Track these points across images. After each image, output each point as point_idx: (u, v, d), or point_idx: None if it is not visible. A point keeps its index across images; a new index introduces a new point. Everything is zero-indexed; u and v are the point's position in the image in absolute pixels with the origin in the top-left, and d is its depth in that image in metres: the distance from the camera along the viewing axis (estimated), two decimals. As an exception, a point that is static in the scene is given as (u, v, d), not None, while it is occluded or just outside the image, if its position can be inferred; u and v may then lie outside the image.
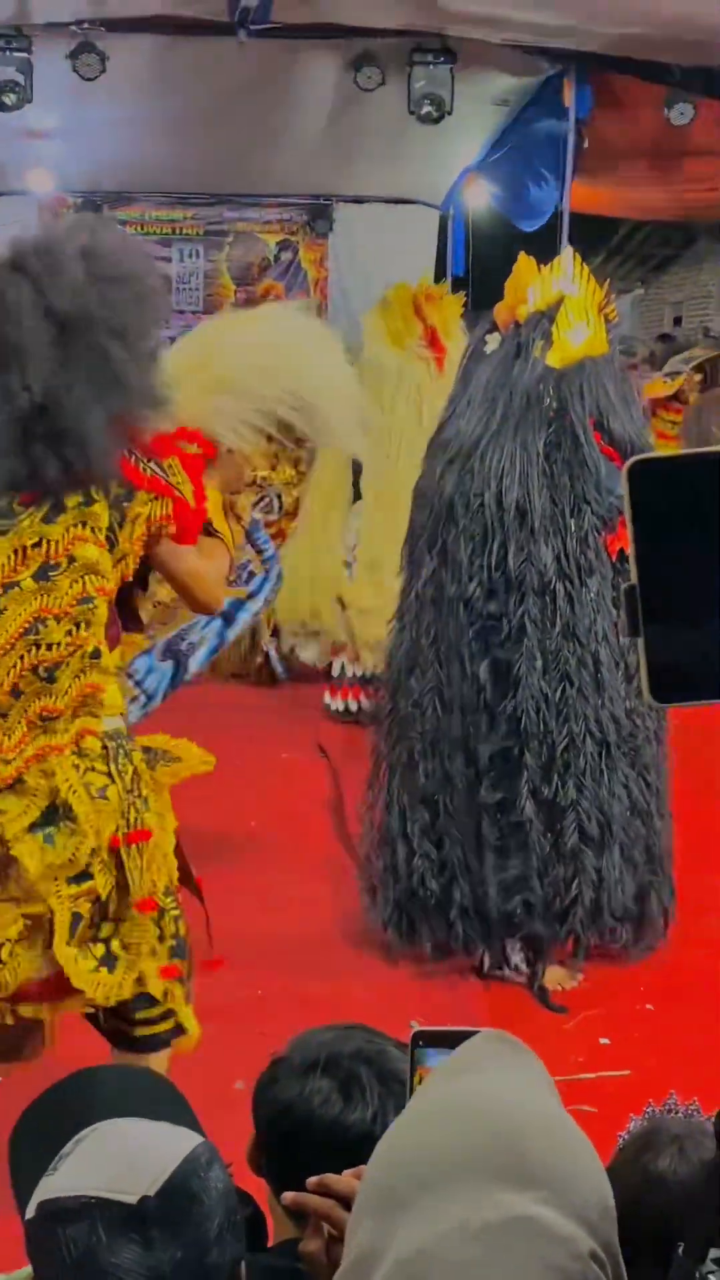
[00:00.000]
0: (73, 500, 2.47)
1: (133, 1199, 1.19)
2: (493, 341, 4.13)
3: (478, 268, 13.50)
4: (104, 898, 2.56)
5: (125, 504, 2.51)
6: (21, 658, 2.47)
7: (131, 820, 2.57)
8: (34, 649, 2.47)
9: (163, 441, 2.62)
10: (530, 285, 4.12)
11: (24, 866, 2.48)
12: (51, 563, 2.46)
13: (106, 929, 2.59)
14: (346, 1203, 1.30)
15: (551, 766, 3.77)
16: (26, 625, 2.46)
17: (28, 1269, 1.27)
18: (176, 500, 2.55)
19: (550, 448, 3.86)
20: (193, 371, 2.84)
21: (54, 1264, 1.19)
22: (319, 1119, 1.50)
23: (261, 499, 3.56)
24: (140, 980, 2.61)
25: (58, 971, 2.54)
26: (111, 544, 2.50)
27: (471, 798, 3.85)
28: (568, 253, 4.63)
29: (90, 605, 2.48)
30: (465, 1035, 1.22)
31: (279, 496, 3.49)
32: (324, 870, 4.62)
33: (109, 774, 2.55)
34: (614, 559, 3.82)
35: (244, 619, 4.03)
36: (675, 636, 0.94)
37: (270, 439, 3.17)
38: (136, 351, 2.58)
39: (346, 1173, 1.31)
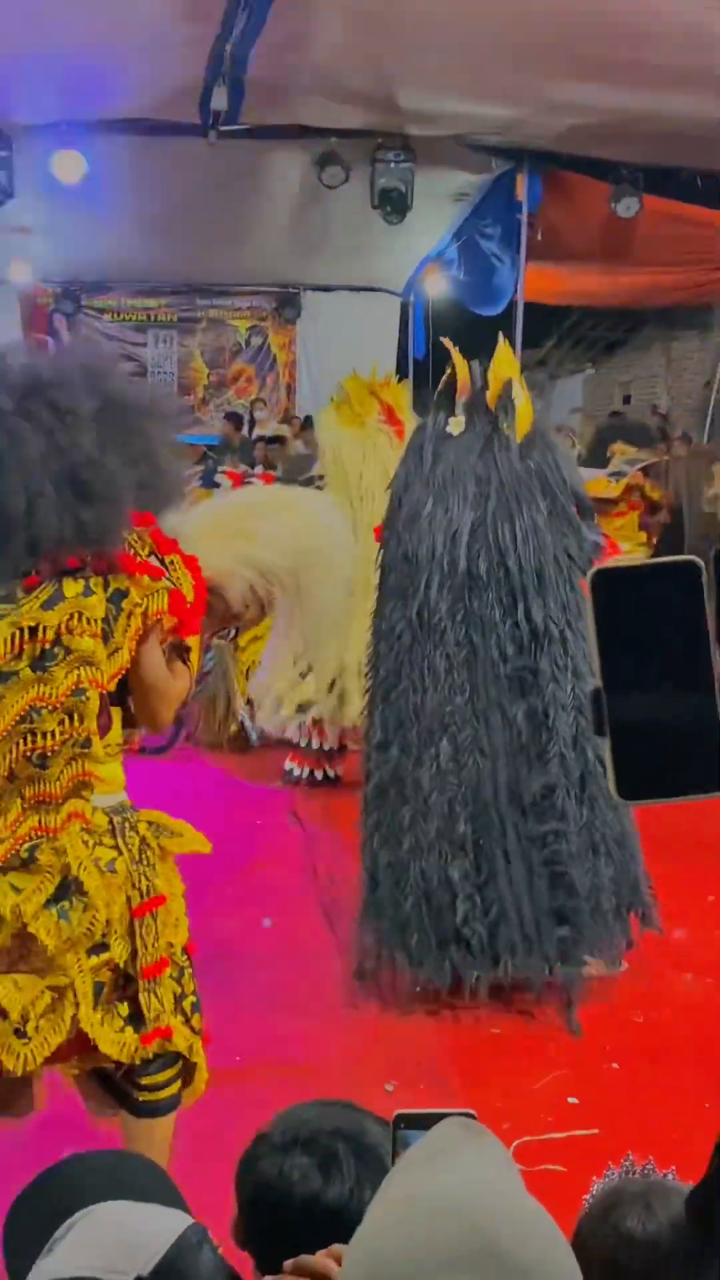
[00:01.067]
0: (72, 590, 2.48)
1: (128, 1279, 1.19)
2: (455, 425, 4.23)
3: (437, 351, 13.70)
4: (122, 965, 2.59)
5: (122, 600, 2.53)
6: (16, 744, 2.48)
7: (144, 890, 2.60)
8: (28, 737, 2.48)
9: (167, 541, 2.64)
10: (507, 376, 4.27)
11: (42, 942, 2.50)
12: (48, 651, 2.47)
13: (132, 989, 2.61)
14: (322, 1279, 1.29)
15: (581, 798, 3.98)
16: (22, 714, 2.46)
17: None
18: (173, 592, 2.57)
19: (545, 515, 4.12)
20: (226, 526, 2.92)
21: (50, 1346, 1.18)
22: (298, 1195, 1.49)
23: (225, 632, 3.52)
24: (166, 1037, 2.63)
25: (79, 1034, 2.56)
26: (106, 636, 2.51)
27: (519, 836, 4.00)
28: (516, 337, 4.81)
29: (83, 697, 2.48)
30: (447, 1116, 1.21)
31: (237, 630, 3.51)
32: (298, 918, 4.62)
33: (116, 847, 2.58)
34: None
35: None
36: (639, 736, 0.96)
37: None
38: (163, 435, 2.70)
39: (320, 1253, 1.31)
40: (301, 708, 6.36)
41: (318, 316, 13.60)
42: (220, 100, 8.74)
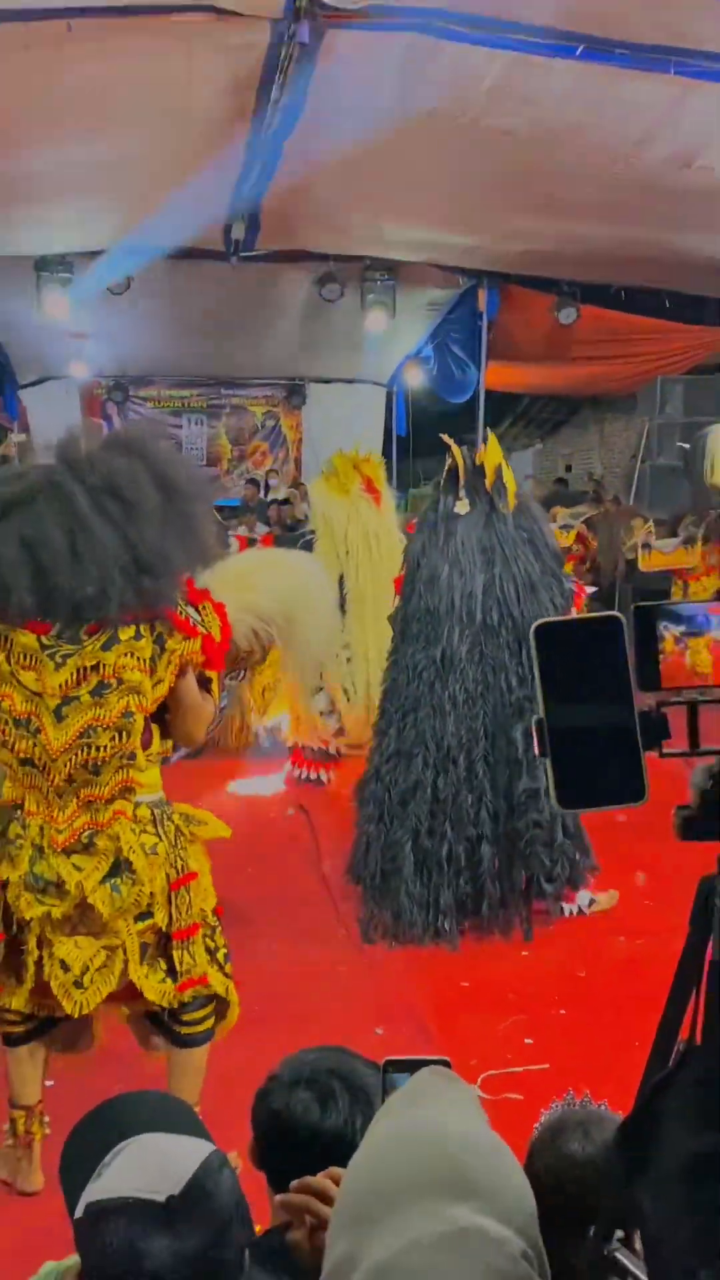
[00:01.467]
0: (125, 635, 2.50)
1: (161, 1198, 1.17)
2: (461, 506, 4.37)
3: (415, 430, 13.74)
4: (163, 929, 2.63)
5: (165, 640, 2.54)
6: (76, 755, 2.50)
7: (179, 868, 2.64)
8: (85, 749, 2.49)
9: (199, 593, 2.67)
10: (498, 462, 4.44)
11: (99, 910, 2.54)
12: (105, 682, 2.48)
13: (171, 948, 2.64)
14: (322, 1196, 1.28)
15: None
16: (81, 730, 2.49)
17: (75, 1258, 1.25)
18: (204, 637, 2.59)
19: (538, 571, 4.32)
20: (233, 582, 2.92)
21: (99, 1252, 1.17)
22: (302, 1124, 1.48)
23: (234, 672, 3.46)
24: (202, 984, 2.66)
25: (127, 984, 2.60)
26: (152, 671, 2.53)
27: (509, 821, 4.17)
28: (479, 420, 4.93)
29: (131, 719, 2.51)
30: (426, 1063, 1.20)
31: (245, 670, 3.50)
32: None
33: (157, 834, 2.62)
34: None
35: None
36: (575, 757, 0.95)
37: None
38: (207, 513, 2.75)
39: (320, 1174, 1.30)
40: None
41: (320, 403, 13.62)
42: (239, 231, 8.82)
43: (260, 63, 6.19)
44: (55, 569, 2.41)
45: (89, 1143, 1.27)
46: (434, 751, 4.23)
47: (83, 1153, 1.27)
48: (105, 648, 2.48)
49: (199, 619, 2.61)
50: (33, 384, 12.36)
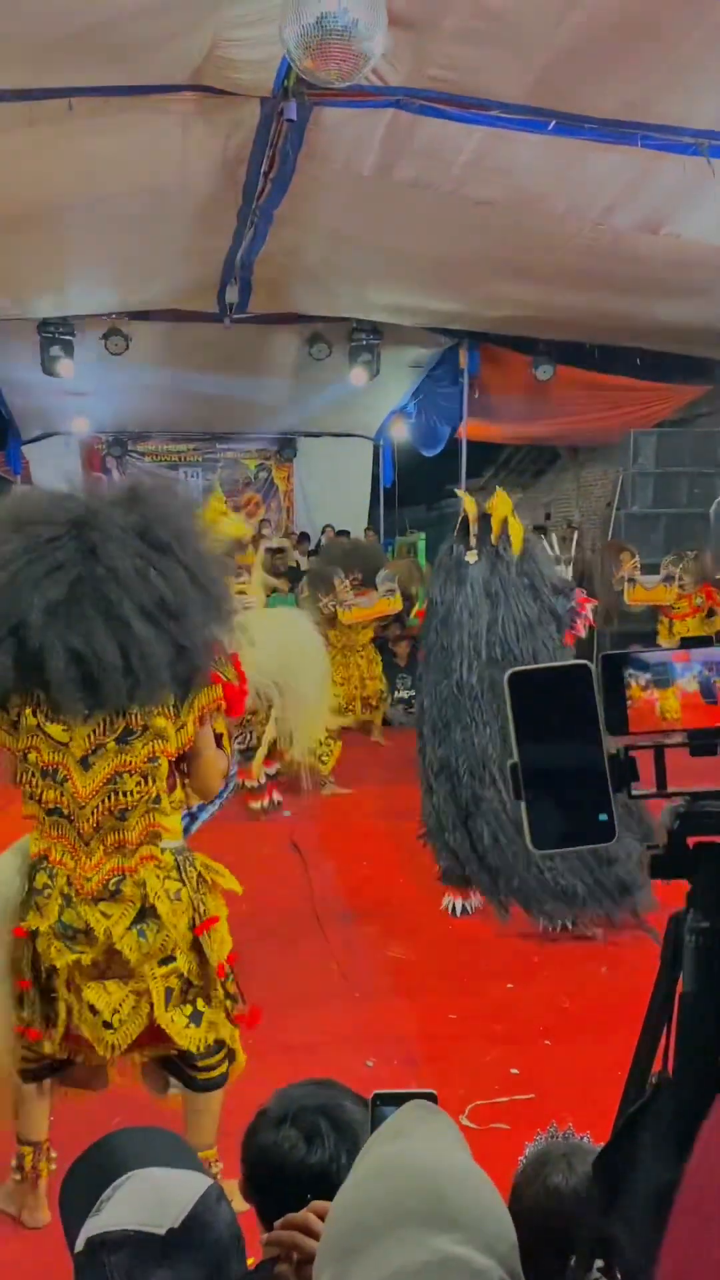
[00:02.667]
0: None
1: (161, 1231, 1.16)
2: (471, 556, 4.77)
3: (400, 480, 13.84)
4: (186, 974, 2.57)
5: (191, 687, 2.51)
6: (103, 802, 2.45)
7: (202, 912, 2.59)
8: (113, 795, 2.45)
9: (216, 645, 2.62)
10: (504, 514, 4.75)
11: (126, 956, 2.49)
12: (131, 729, 2.45)
13: (193, 993, 2.59)
14: (306, 1231, 1.27)
15: None
16: (108, 777, 2.45)
17: None
18: (226, 685, 2.56)
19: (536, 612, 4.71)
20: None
21: (100, 1287, 1.16)
22: (288, 1160, 1.47)
23: (241, 734, 3.43)
24: (215, 1028, 2.61)
25: (149, 1028, 2.54)
26: (175, 716, 2.49)
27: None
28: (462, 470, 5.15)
29: (156, 764, 2.47)
30: (414, 1096, 1.20)
31: (252, 732, 3.46)
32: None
33: (180, 880, 2.56)
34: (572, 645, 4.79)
35: (204, 818, 3.67)
36: (548, 799, 0.96)
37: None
38: (227, 575, 2.71)
39: (305, 1210, 1.29)
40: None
41: (310, 456, 13.75)
42: (232, 295, 8.91)
43: (251, 138, 6.31)
44: (105, 680, 2.36)
45: (88, 1178, 1.26)
46: (465, 767, 4.62)
47: (82, 1187, 1.25)
48: None
49: (220, 670, 2.57)
50: (36, 439, 12.44)
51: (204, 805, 3.47)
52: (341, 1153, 1.45)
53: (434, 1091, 1.16)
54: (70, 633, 2.34)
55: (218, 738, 2.68)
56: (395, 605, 8.30)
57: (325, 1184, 1.40)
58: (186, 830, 3.43)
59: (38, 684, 2.39)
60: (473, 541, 4.77)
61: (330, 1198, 1.31)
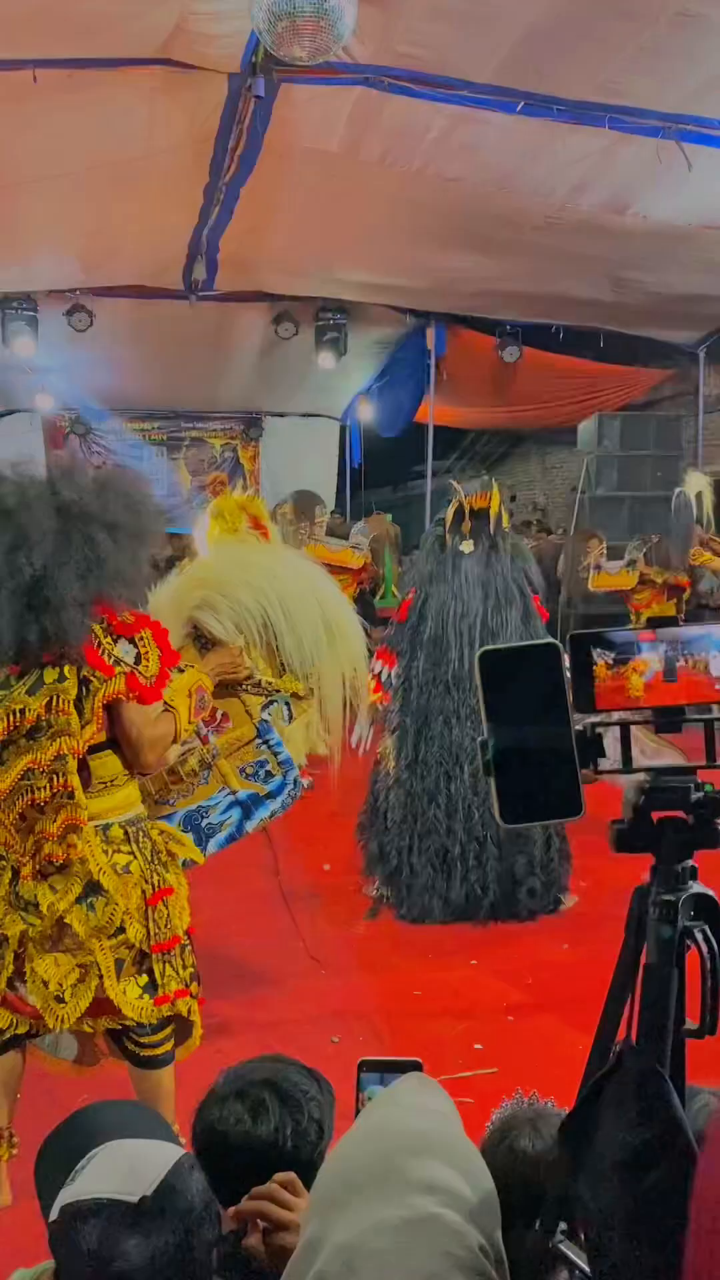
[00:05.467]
0: (50, 677, 2.46)
1: (135, 1198, 1.18)
2: (467, 546, 4.76)
3: (367, 460, 13.82)
4: (137, 944, 2.56)
5: (89, 683, 2.47)
6: (20, 797, 2.47)
7: (155, 883, 2.59)
8: (28, 791, 2.47)
9: (134, 623, 2.56)
10: (499, 510, 4.80)
11: (75, 929, 2.51)
12: (37, 725, 2.45)
13: (148, 963, 2.58)
14: (273, 1201, 1.29)
15: None
16: (21, 773, 2.46)
17: (47, 1264, 1.25)
18: (128, 675, 2.50)
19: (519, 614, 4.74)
20: (195, 576, 2.87)
21: (74, 1254, 1.17)
22: (234, 1134, 1.48)
23: (270, 703, 3.20)
24: (180, 999, 2.61)
25: (97, 999, 2.54)
26: (79, 710, 2.47)
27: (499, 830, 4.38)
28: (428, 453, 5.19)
29: (63, 761, 2.46)
30: (399, 1063, 1.22)
31: (288, 705, 3.15)
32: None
33: (131, 852, 2.57)
34: None
35: (261, 815, 3.38)
36: (517, 775, 0.98)
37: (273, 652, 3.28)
38: (121, 545, 2.50)
39: (270, 1181, 1.31)
40: None
41: (276, 436, 13.65)
42: (199, 272, 8.85)
43: (218, 113, 6.26)
44: None
45: (63, 1149, 1.28)
46: (448, 760, 4.58)
47: (57, 1158, 1.27)
48: (30, 692, 2.44)
49: (122, 655, 2.51)
50: (-1, 416, 12.29)
51: (256, 796, 3.35)
52: (288, 1124, 1.47)
53: (419, 1060, 1.19)
54: None
55: (170, 707, 2.63)
56: (357, 561, 8.24)
57: (273, 1156, 1.42)
58: (240, 828, 3.33)
59: None
60: (466, 532, 4.76)
61: (279, 1169, 1.34)
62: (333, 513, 13.21)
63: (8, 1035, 2.63)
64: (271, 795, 3.38)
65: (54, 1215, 1.21)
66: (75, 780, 2.48)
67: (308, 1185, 1.21)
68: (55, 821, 2.49)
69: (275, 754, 3.40)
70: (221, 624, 3.14)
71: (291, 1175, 1.35)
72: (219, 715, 3.32)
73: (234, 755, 3.36)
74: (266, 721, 3.40)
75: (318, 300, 10.07)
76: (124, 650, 2.52)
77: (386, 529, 9.73)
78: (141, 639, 2.56)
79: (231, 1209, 1.32)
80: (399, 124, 6.24)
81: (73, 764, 2.47)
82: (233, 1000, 3.52)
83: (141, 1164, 1.22)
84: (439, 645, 4.70)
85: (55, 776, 2.46)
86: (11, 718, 2.43)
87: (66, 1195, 1.20)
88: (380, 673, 4.94)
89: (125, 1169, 1.22)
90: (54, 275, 9.00)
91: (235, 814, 3.34)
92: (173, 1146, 1.29)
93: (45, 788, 2.46)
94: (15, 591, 2.38)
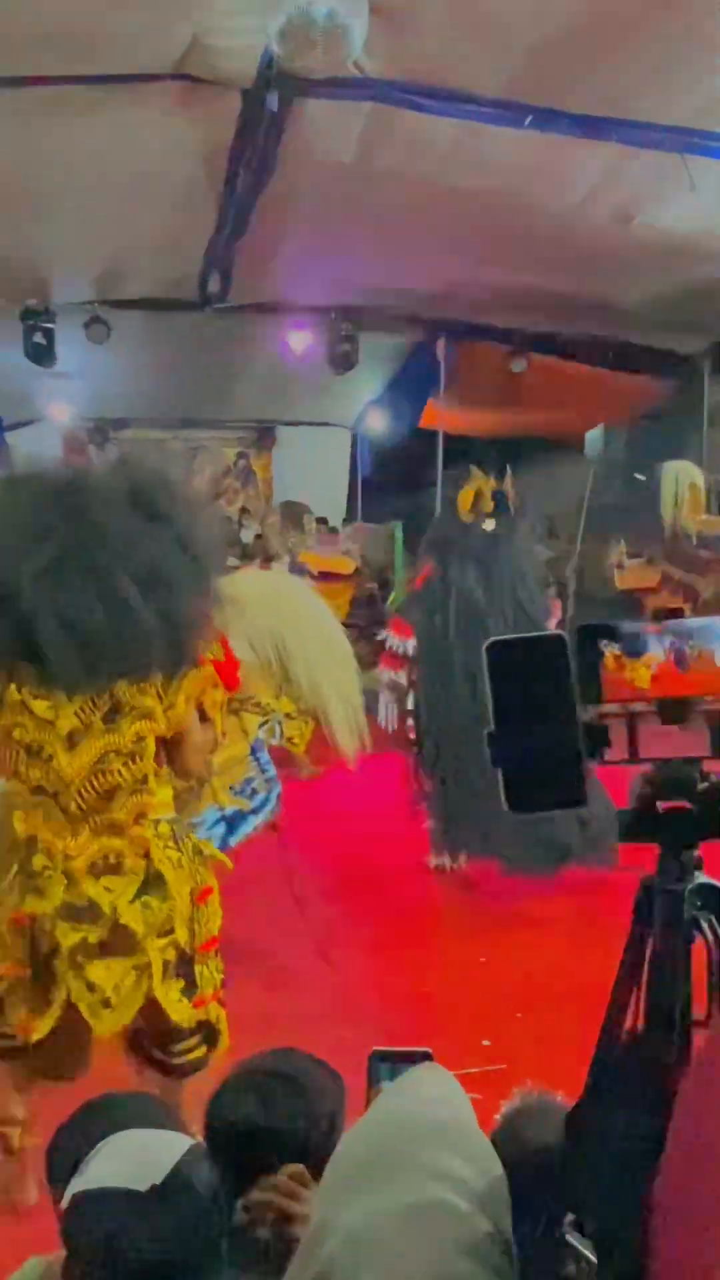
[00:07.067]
0: None
1: (144, 1187, 1.18)
2: (488, 524, 5.01)
3: (377, 469, 13.82)
4: (183, 945, 2.48)
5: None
6: (91, 781, 2.36)
7: (198, 882, 2.52)
8: (100, 775, 2.36)
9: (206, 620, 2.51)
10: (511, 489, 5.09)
11: (133, 930, 2.40)
12: (119, 709, 2.36)
13: (185, 967, 2.50)
14: (282, 1191, 1.28)
15: None
16: (96, 758, 2.35)
17: (60, 1253, 1.23)
18: (215, 663, 2.49)
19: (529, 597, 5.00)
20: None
21: (83, 1240, 1.16)
22: (243, 1126, 1.46)
23: (265, 722, 3.21)
24: (205, 1005, 2.53)
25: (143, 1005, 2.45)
26: (161, 696, 2.40)
27: None
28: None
29: (144, 744, 2.38)
30: (410, 1054, 1.20)
31: (280, 723, 3.18)
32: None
33: (179, 849, 2.50)
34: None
35: (245, 830, 3.39)
36: (523, 765, 0.97)
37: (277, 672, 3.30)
38: (220, 559, 2.60)
39: (280, 1174, 1.30)
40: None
41: (288, 445, 13.68)
42: (214, 284, 8.86)
43: (233, 127, 6.27)
44: (93, 648, 2.25)
45: (75, 1139, 1.27)
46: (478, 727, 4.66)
47: (69, 1148, 1.26)
48: None
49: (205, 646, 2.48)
50: (17, 426, 12.33)
51: (240, 812, 3.33)
52: (299, 1116, 1.45)
53: (429, 1050, 1.18)
54: (59, 599, 2.22)
55: (207, 716, 2.60)
56: (349, 567, 8.28)
57: (283, 1147, 1.41)
58: (224, 843, 3.29)
59: (23, 656, 2.28)
60: (488, 510, 4.99)
61: (289, 1160, 1.33)
62: (319, 521, 13.24)
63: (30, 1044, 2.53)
64: (255, 811, 3.40)
65: (65, 1203, 1.20)
66: (151, 767, 2.41)
67: (318, 1177, 1.20)
68: (124, 810, 2.39)
69: (263, 771, 3.46)
70: (237, 643, 3.13)
71: (301, 1168, 1.34)
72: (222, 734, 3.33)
73: (226, 773, 3.36)
74: (260, 740, 3.43)
75: (330, 310, 10.07)
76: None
77: (380, 536, 9.73)
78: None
79: (241, 1200, 1.31)
80: (411, 137, 6.25)
81: (151, 747, 2.39)
82: (244, 998, 3.50)
83: (151, 1153, 1.22)
84: (461, 622, 4.84)
85: (133, 760, 2.37)
86: (93, 701, 2.33)
87: (77, 1184, 1.19)
88: (390, 644, 5.17)
89: (135, 1158, 1.21)
90: (72, 288, 9.03)
91: (220, 830, 3.35)
92: (182, 1137, 1.28)
93: (120, 772, 2.35)
94: (171, 632, 2.33)
